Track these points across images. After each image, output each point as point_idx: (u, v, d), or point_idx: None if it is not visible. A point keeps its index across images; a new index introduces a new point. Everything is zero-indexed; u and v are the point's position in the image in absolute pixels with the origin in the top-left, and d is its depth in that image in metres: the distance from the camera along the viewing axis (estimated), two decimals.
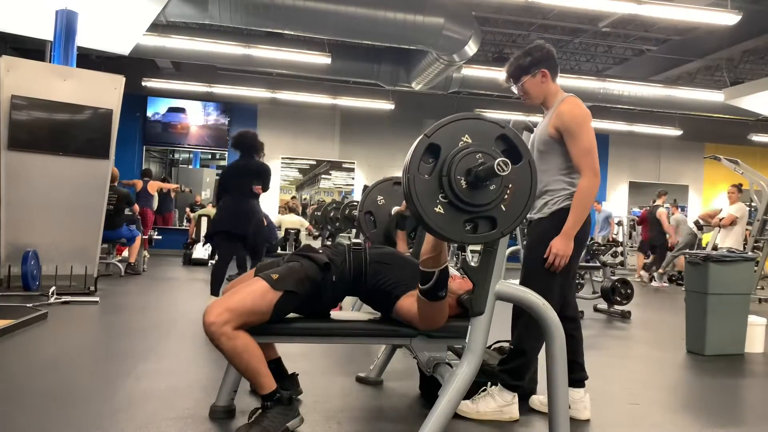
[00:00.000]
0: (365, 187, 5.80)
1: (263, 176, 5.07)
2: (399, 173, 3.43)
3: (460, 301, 2.46)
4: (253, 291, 2.26)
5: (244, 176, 5.01)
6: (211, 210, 11.09)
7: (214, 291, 4.94)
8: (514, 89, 2.82)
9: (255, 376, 2.23)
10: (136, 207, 8.00)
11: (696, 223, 9.81)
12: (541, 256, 2.57)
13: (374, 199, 3.24)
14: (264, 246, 5.30)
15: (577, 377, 2.68)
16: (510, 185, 1.92)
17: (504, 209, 1.93)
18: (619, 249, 8.40)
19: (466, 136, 1.92)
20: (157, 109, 12.97)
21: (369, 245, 2.60)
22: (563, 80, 10.97)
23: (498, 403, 2.61)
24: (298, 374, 2.77)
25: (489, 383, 2.66)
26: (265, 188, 5.12)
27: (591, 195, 2.58)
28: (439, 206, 1.88)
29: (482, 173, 1.84)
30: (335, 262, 2.45)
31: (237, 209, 4.98)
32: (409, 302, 2.37)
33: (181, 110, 13.15)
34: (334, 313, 2.61)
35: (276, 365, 2.66)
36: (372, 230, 3.26)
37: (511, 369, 2.63)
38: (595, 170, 2.59)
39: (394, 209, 3.15)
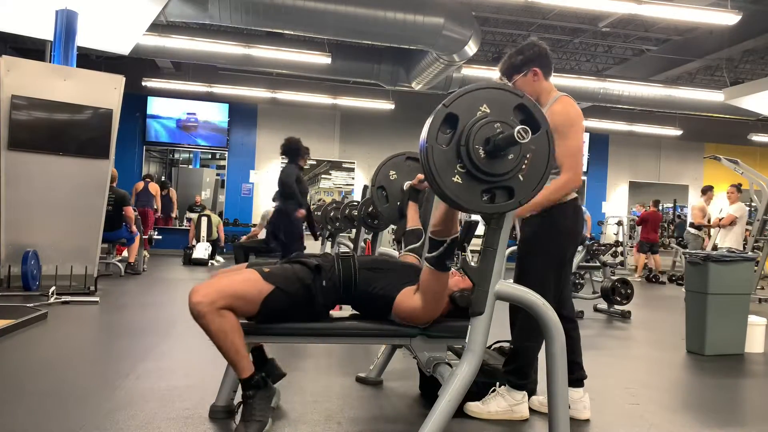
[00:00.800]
0: (365, 187, 5.82)
1: (282, 183, 5.86)
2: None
3: (452, 298, 2.46)
4: (245, 278, 2.29)
5: (281, 182, 5.88)
6: (208, 212, 11.12)
7: None
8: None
9: (238, 358, 2.23)
10: (129, 210, 7.91)
11: (691, 225, 9.81)
12: (535, 252, 2.58)
13: (386, 174, 3.23)
14: (296, 246, 5.81)
15: (576, 377, 2.68)
16: (528, 155, 1.91)
17: (521, 179, 1.93)
18: (619, 249, 8.40)
19: (484, 105, 1.91)
20: (157, 109, 12.95)
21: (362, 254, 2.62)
22: (563, 80, 10.98)
23: (509, 402, 2.62)
24: (274, 358, 2.70)
25: (498, 383, 2.67)
26: (285, 192, 5.84)
27: (564, 191, 2.58)
28: (456, 176, 1.88)
29: (502, 141, 1.83)
30: (325, 268, 2.45)
31: (276, 213, 5.91)
32: (406, 295, 2.37)
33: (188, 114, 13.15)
34: (334, 313, 2.61)
35: (259, 352, 2.63)
36: (384, 205, 3.25)
37: (514, 369, 2.64)
38: (578, 171, 2.59)
39: (407, 184, 3.14)
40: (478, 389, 2.60)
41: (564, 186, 2.56)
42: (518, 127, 1.76)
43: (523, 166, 1.91)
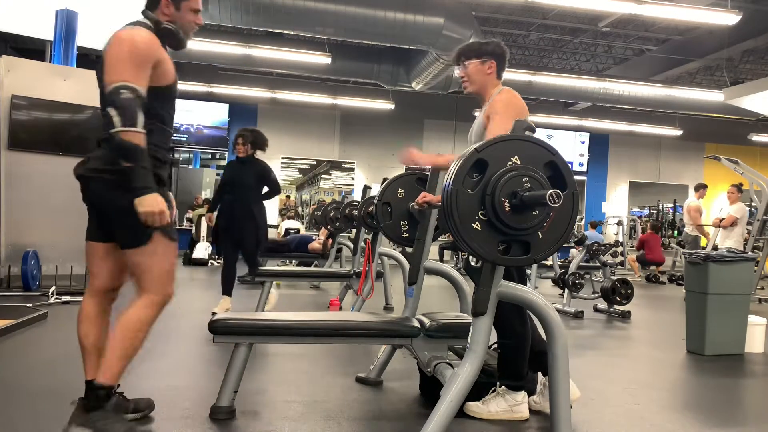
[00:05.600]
0: (365, 187, 5.82)
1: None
2: (398, 173, 3.44)
3: None
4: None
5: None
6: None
7: (225, 290, 4.99)
8: (457, 71, 2.81)
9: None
10: None
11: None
12: None
13: (395, 191, 3.24)
14: (255, 250, 5.10)
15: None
16: (552, 213, 1.92)
17: (540, 236, 1.93)
18: (619, 249, 8.39)
19: (516, 157, 1.91)
20: None
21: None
22: (563, 80, 11.00)
23: (509, 402, 2.62)
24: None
25: (498, 383, 2.66)
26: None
27: None
28: (477, 223, 1.88)
29: (530, 199, 1.83)
30: None
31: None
32: None
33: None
34: (334, 313, 2.62)
35: None
36: (387, 221, 3.26)
37: (506, 372, 2.63)
38: None
39: (412, 205, 3.14)
40: (477, 389, 2.60)
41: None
42: (551, 191, 1.76)
43: (545, 224, 1.92)
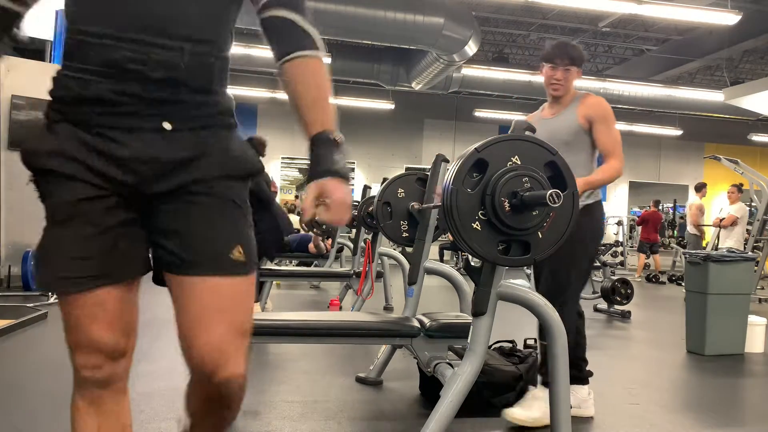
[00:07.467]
0: (365, 187, 5.83)
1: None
2: (399, 173, 3.44)
3: None
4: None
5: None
6: None
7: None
8: (551, 70, 2.73)
9: None
10: None
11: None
12: (567, 251, 2.24)
13: (394, 191, 3.24)
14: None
15: (584, 375, 2.70)
16: (552, 213, 1.92)
17: (540, 236, 1.93)
18: (619, 249, 8.40)
19: (516, 157, 1.91)
20: None
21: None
22: None
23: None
24: None
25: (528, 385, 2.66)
26: None
27: (616, 175, 2.65)
28: (477, 223, 1.89)
29: (530, 199, 1.83)
30: None
31: None
32: None
33: None
34: (334, 314, 2.62)
35: None
36: (387, 221, 3.26)
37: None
38: (622, 159, 2.66)
39: (412, 205, 3.14)
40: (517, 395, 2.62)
41: (616, 171, 2.63)
42: (551, 191, 1.76)
43: (545, 224, 1.92)
